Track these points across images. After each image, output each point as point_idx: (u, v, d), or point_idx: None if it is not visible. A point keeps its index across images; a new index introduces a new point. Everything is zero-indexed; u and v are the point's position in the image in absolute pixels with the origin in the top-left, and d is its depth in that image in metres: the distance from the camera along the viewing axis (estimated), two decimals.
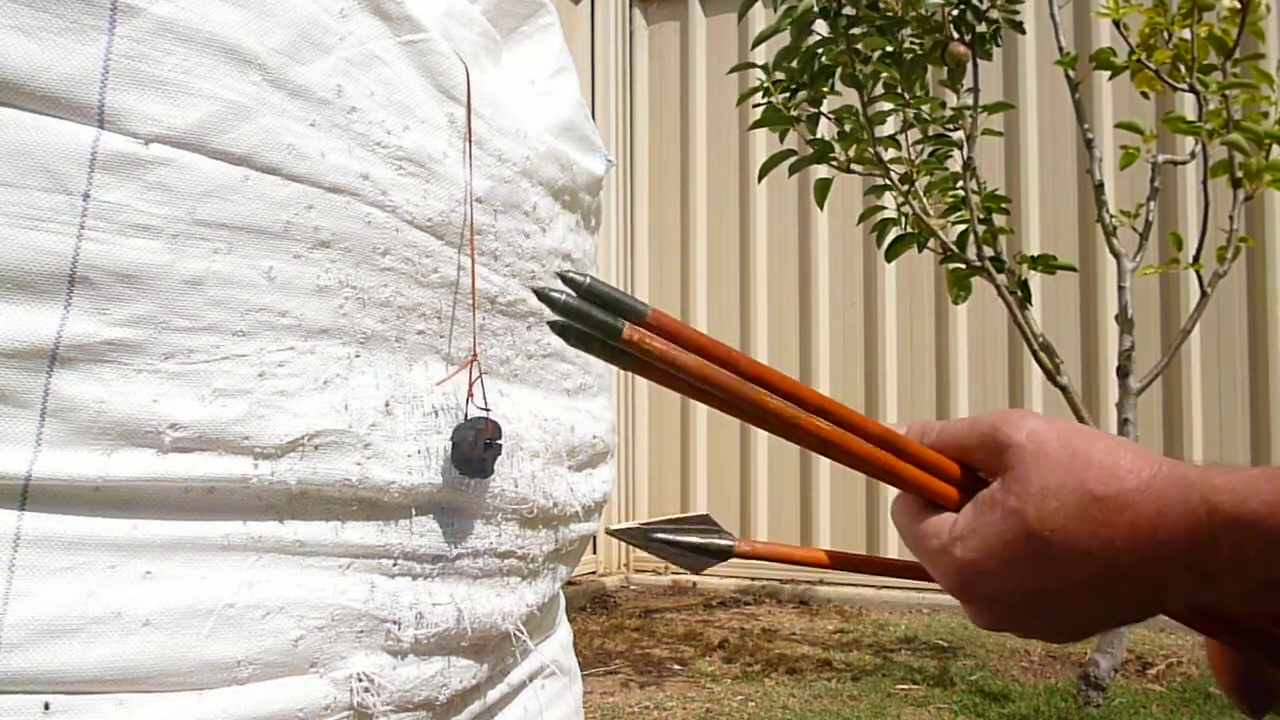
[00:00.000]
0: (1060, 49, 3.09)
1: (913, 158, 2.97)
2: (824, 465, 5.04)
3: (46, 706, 0.60)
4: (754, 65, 3.03)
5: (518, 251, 0.94)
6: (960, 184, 2.95)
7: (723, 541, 0.58)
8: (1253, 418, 4.35)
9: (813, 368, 5.12)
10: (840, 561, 0.59)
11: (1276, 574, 0.45)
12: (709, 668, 3.41)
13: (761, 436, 5.25)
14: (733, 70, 3.29)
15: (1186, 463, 0.48)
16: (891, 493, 0.55)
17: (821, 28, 2.84)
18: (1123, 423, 2.92)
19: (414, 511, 0.80)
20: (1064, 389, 2.94)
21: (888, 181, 2.94)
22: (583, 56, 5.18)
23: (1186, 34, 2.81)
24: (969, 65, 2.81)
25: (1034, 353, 2.97)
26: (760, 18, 4.64)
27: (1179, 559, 0.46)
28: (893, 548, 4.88)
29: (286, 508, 0.71)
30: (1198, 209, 3.25)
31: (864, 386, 5.03)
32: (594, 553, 5.12)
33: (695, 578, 5.13)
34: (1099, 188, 3.05)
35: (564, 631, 1.11)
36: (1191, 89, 2.85)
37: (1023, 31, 2.93)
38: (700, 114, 5.44)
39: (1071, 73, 3.07)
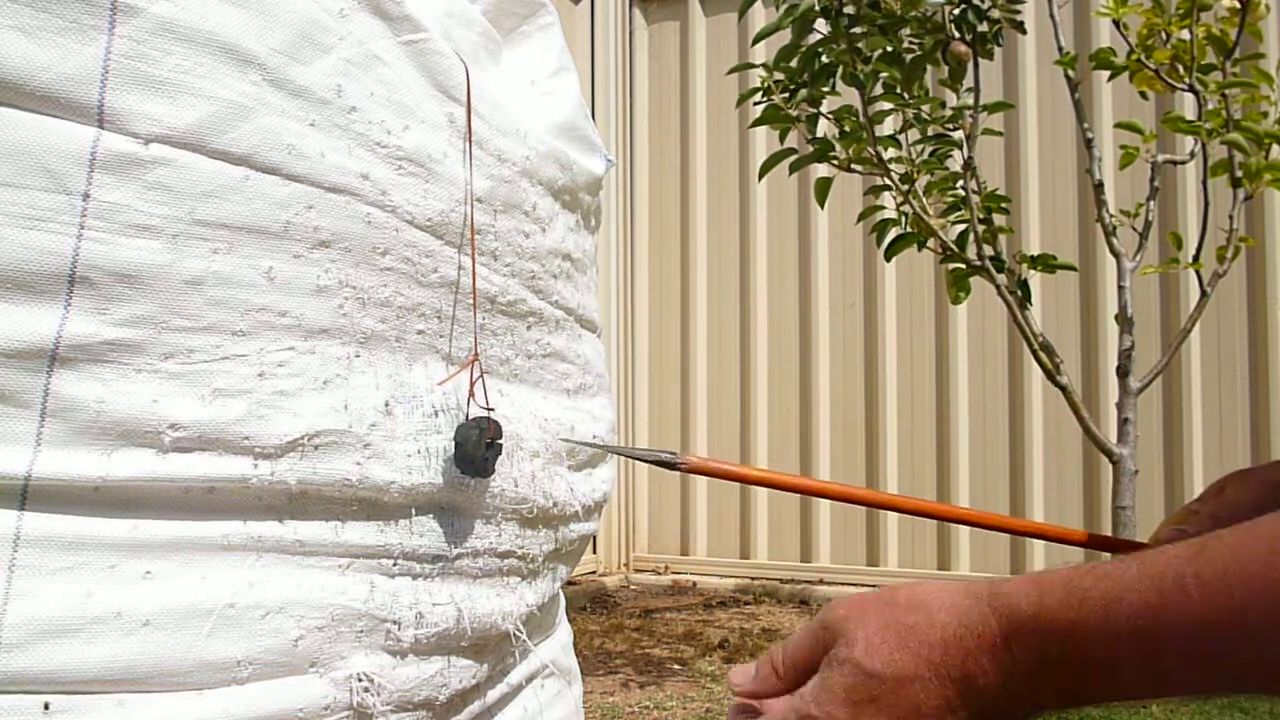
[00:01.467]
0: (1060, 49, 3.09)
1: (913, 157, 2.97)
2: (823, 469, 5.04)
3: (46, 706, 0.60)
4: (754, 65, 3.03)
5: (518, 251, 0.94)
6: (960, 183, 2.95)
7: (665, 455, 0.69)
8: (1252, 417, 4.35)
9: (812, 368, 5.12)
10: (782, 485, 0.71)
11: (1060, 673, 0.51)
12: (709, 668, 3.41)
13: (760, 438, 5.25)
14: (732, 71, 3.29)
15: (980, 581, 0.55)
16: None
17: (822, 26, 2.84)
18: (1123, 422, 2.92)
19: (414, 511, 0.80)
20: (1064, 389, 2.94)
21: (887, 181, 2.94)
22: (583, 56, 5.18)
23: (1186, 34, 2.81)
24: (969, 65, 2.81)
25: (1034, 352, 2.97)
26: (760, 17, 4.64)
27: (988, 666, 0.52)
28: (893, 547, 4.88)
29: (286, 508, 0.71)
30: (1198, 209, 3.25)
31: (864, 386, 5.03)
32: (594, 553, 5.12)
33: (695, 577, 5.13)
34: (1099, 187, 3.05)
35: (564, 631, 1.11)
36: (1191, 89, 2.85)
37: (1024, 31, 2.93)
38: (700, 114, 5.44)
39: (1071, 73, 3.07)
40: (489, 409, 0.84)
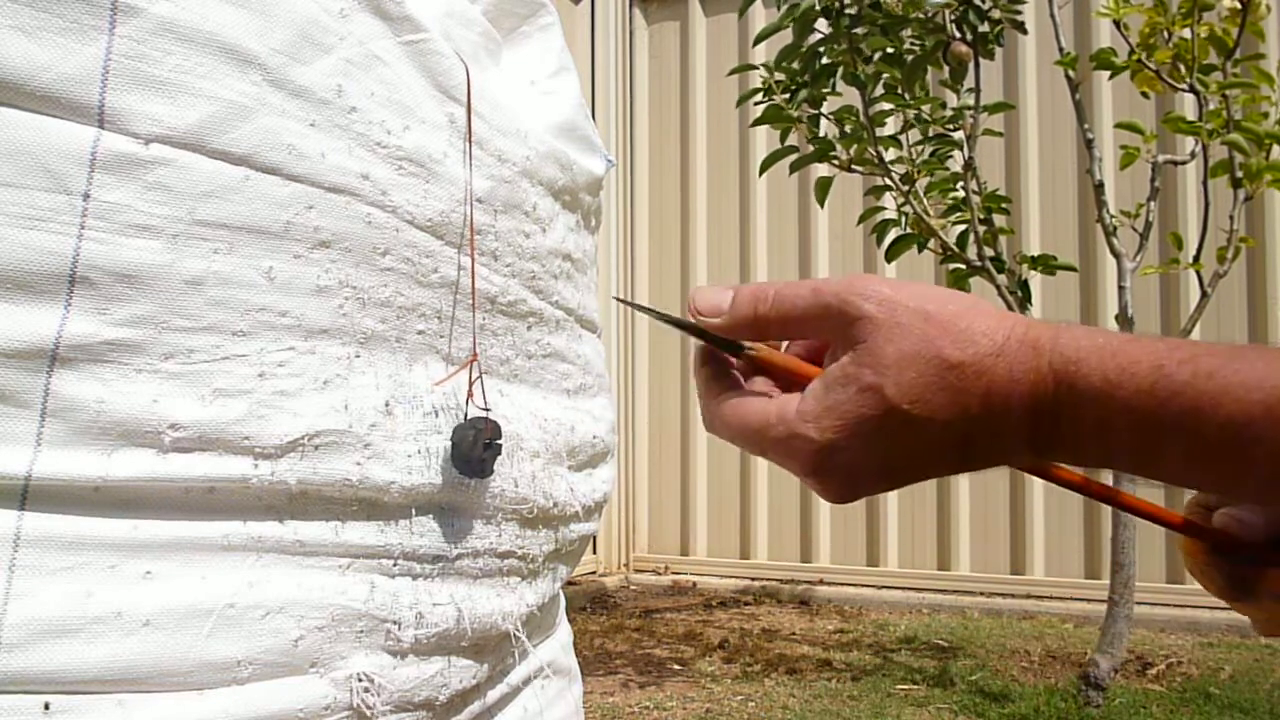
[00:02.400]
0: (1060, 49, 3.09)
1: (913, 158, 2.97)
2: None
3: (46, 706, 0.60)
4: (754, 67, 3.03)
5: (518, 251, 0.94)
6: (960, 184, 2.95)
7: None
8: None
9: None
10: None
11: (1113, 449, 0.45)
12: (709, 668, 3.41)
13: None
14: (733, 72, 3.29)
15: (1042, 323, 0.48)
16: None
17: (823, 26, 2.84)
18: None
19: (414, 511, 0.80)
20: None
21: (888, 182, 2.94)
22: (583, 56, 5.18)
23: (1187, 34, 2.81)
24: (970, 65, 2.81)
25: None
26: (760, 17, 4.64)
27: (1023, 425, 0.46)
28: (893, 545, 4.88)
29: (286, 508, 0.71)
30: (1198, 209, 3.25)
31: None
32: (594, 553, 5.12)
33: (695, 577, 5.13)
34: (1099, 188, 3.05)
35: (564, 632, 1.11)
36: (1192, 89, 2.85)
37: (1025, 31, 2.93)
38: (700, 113, 5.44)
39: (1072, 73, 3.07)
40: (485, 409, 0.84)
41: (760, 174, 3.13)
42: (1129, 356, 0.44)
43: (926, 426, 0.47)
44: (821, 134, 2.95)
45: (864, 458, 0.48)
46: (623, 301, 0.66)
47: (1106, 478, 0.54)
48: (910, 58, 2.82)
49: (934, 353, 0.46)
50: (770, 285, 0.52)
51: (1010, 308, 2.96)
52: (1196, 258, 3.03)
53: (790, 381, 0.53)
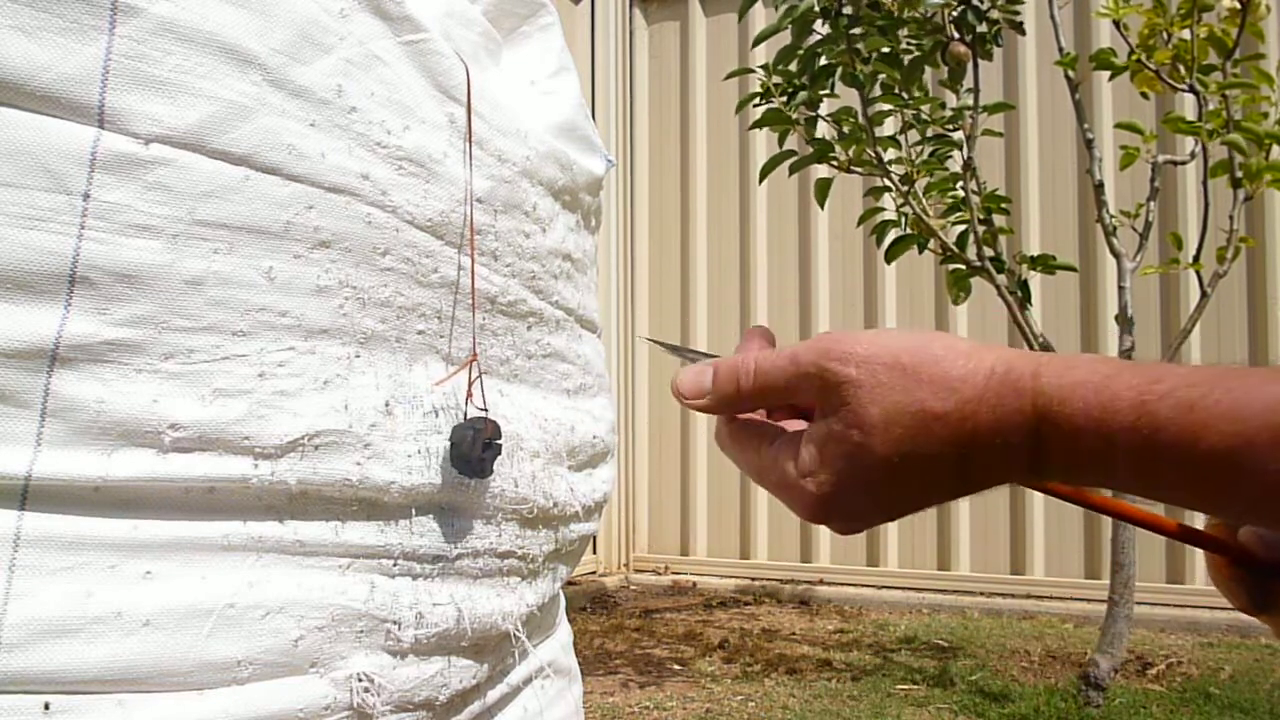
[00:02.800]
0: (1060, 49, 3.09)
1: (913, 158, 2.97)
2: None
3: (46, 706, 0.60)
4: (753, 70, 3.03)
5: (518, 251, 0.94)
6: (960, 184, 2.95)
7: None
8: None
9: None
10: None
11: (1098, 479, 0.47)
12: (709, 668, 3.41)
13: None
14: (731, 75, 3.29)
15: (1018, 355, 0.49)
16: None
17: (821, 27, 2.84)
18: None
19: (414, 511, 0.80)
20: None
21: (887, 182, 2.94)
22: (583, 56, 5.18)
23: (1186, 34, 2.81)
24: (969, 65, 2.81)
25: None
26: (760, 17, 4.64)
27: (1015, 458, 0.48)
28: (893, 545, 4.88)
29: (286, 508, 0.71)
30: (1198, 209, 3.25)
31: None
32: (594, 553, 5.12)
33: (695, 577, 5.13)
34: (1099, 188, 3.05)
35: (564, 632, 1.11)
36: (1191, 89, 2.85)
37: (1023, 33, 2.93)
38: (700, 114, 5.44)
39: (1071, 73, 3.07)
40: (483, 409, 0.84)
41: (760, 181, 3.13)
42: (1111, 392, 0.46)
43: (920, 471, 0.49)
44: (820, 135, 2.95)
45: (861, 503, 0.51)
46: (656, 342, 0.66)
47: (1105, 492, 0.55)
48: (909, 58, 2.82)
49: (917, 407, 0.48)
50: (749, 358, 0.53)
51: (1010, 308, 2.96)
52: (1196, 258, 3.03)
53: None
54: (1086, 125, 3.09)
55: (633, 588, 5.06)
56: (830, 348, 0.50)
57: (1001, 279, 2.94)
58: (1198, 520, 0.54)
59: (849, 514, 0.52)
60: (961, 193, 2.95)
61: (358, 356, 0.76)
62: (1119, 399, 0.45)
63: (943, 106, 2.94)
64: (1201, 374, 0.45)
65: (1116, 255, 3.02)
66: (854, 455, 0.49)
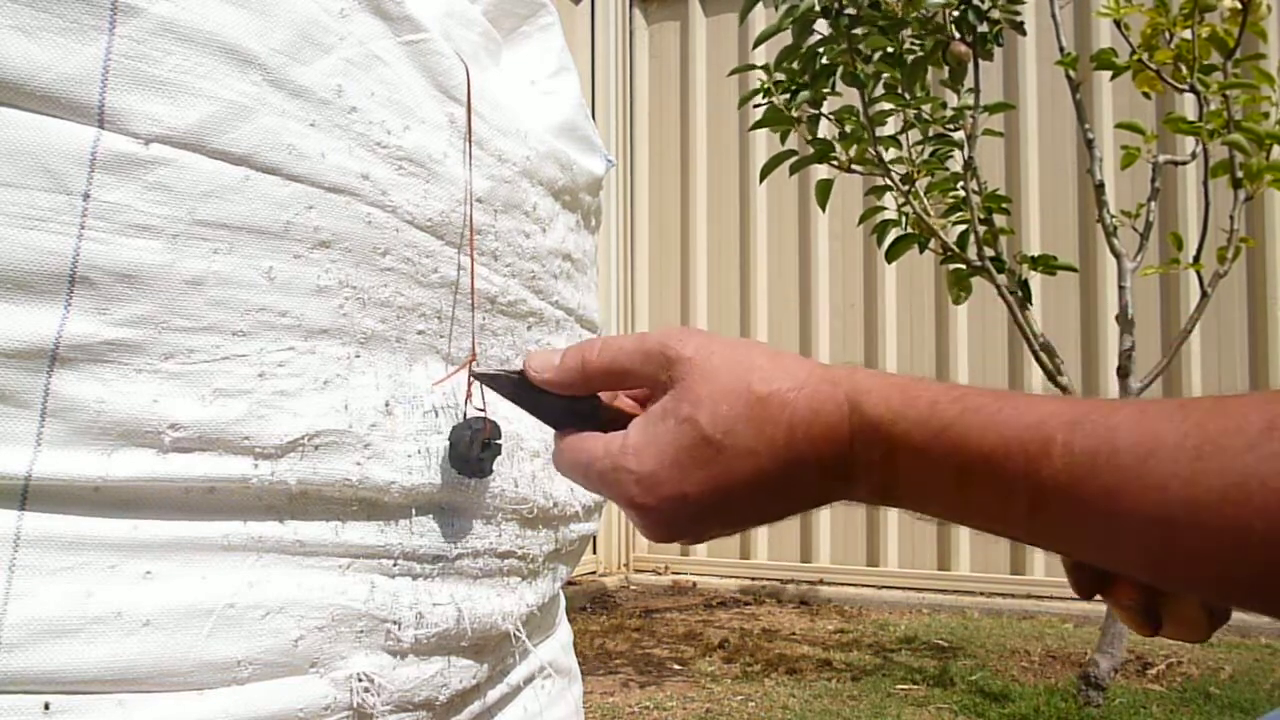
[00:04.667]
0: (1061, 49, 3.09)
1: (913, 158, 2.97)
2: None
3: (46, 706, 0.60)
4: (754, 67, 3.02)
5: (518, 251, 0.94)
6: (961, 184, 2.95)
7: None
8: None
9: None
10: None
11: (894, 479, 0.50)
12: (709, 668, 3.41)
13: None
14: (733, 73, 3.29)
15: (840, 365, 0.52)
16: None
17: (822, 27, 2.84)
18: None
19: (414, 511, 0.80)
20: (1064, 389, 2.94)
21: (888, 182, 2.94)
22: (583, 56, 5.18)
23: (1188, 34, 2.81)
24: (970, 65, 2.81)
25: (1034, 353, 2.96)
26: (760, 18, 4.64)
27: (829, 456, 0.50)
28: (893, 545, 4.88)
29: (287, 508, 0.71)
30: (1198, 209, 3.25)
31: None
32: (594, 553, 5.12)
33: (695, 577, 5.13)
34: (1099, 188, 3.05)
35: (564, 631, 1.11)
36: (1192, 89, 2.85)
37: (1024, 32, 2.93)
38: (700, 114, 5.44)
39: (1072, 73, 3.07)
40: (481, 410, 0.84)
41: (760, 181, 3.13)
42: (911, 392, 0.49)
43: (737, 456, 0.51)
44: (821, 134, 2.95)
45: (682, 488, 0.52)
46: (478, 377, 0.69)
47: None
48: (910, 58, 2.82)
49: (743, 388, 0.51)
50: (597, 338, 0.57)
51: (1010, 308, 2.96)
52: (1196, 258, 3.03)
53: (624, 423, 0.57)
54: (1087, 125, 3.09)
55: (633, 588, 5.06)
56: (672, 331, 0.54)
57: (1002, 279, 2.94)
58: None
59: (667, 499, 0.52)
60: (962, 193, 2.94)
61: (358, 356, 0.76)
62: (918, 398, 0.49)
63: (944, 106, 2.94)
64: (994, 389, 0.49)
65: (1117, 255, 3.02)
66: (680, 429, 0.52)
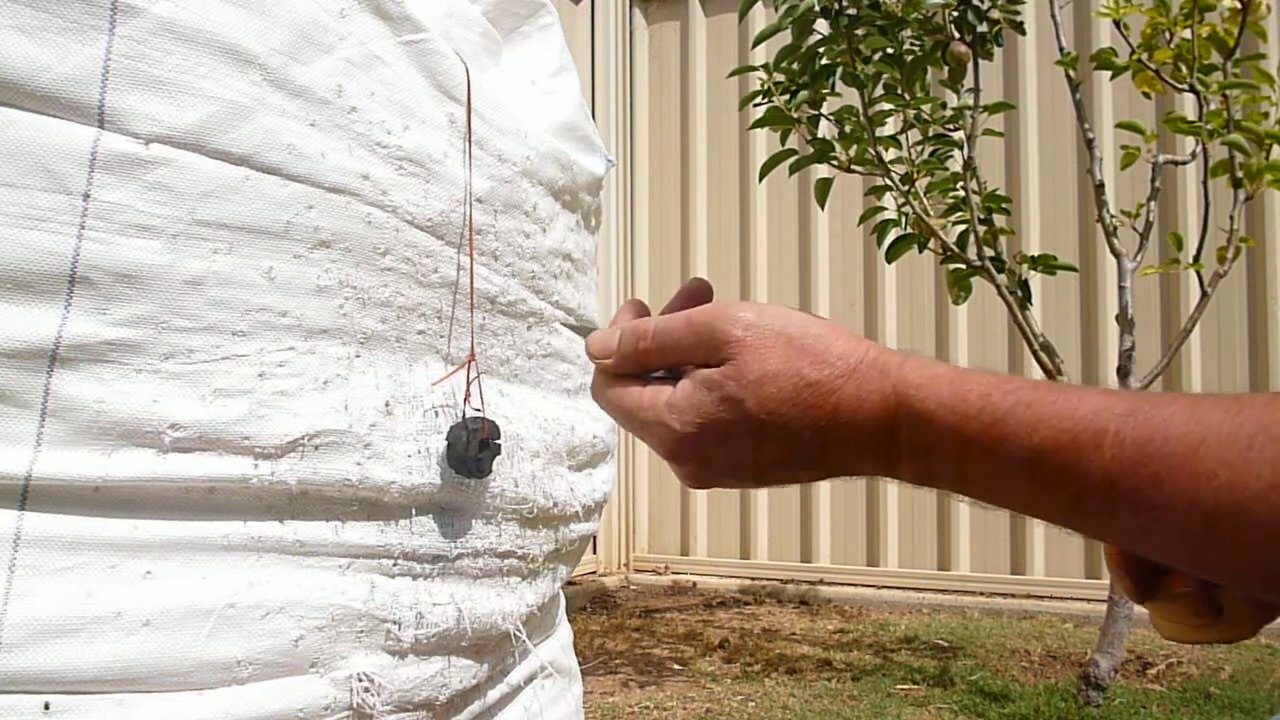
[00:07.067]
0: (1061, 49, 3.09)
1: (913, 158, 2.97)
2: None
3: (46, 706, 0.60)
4: (754, 68, 3.02)
5: (518, 251, 0.94)
6: (960, 184, 2.95)
7: None
8: None
9: None
10: None
11: (940, 468, 0.51)
12: (709, 668, 3.41)
13: None
14: (733, 74, 3.29)
15: (893, 350, 0.54)
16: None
17: (822, 27, 2.84)
18: None
19: (414, 511, 0.80)
20: None
21: (888, 182, 2.94)
22: (583, 56, 5.18)
23: (1188, 34, 2.81)
24: (969, 65, 2.81)
25: (1034, 353, 2.96)
26: (760, 18, 4.64)
27: (870, 439, 0.52)
28: (893, 545, 4.88)
29: (287, 508, 0.71)
30: (1198, 209, 3.25)
31: None
32: (594, 553, 5.12)
33: (695, 577, 5.13)
34: (1099, 188, 3.05)
35: (564, 631, 1.11)
36: (1192, 89, 2.85)
37: (1023, 32, 2.93)
38: (700, 114, 5.44)
39: (1072, 73, 3.07)
40: (479, 410, 0.84)
41: (760, 180, 3.13)
42: (963, 385, 0.50)
43: (777, 435, 0.53)
44: (821, 134, 2.95)
45: (721, 453, 0.55)
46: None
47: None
48: (910, 58, 2.82)
49: (793, 371, 0.53)
50: (650, 321, 0.59)
51: (1010, 308, 2.96)
52: (1196, 258, 3.03)
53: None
54: (1087, 125, 3.09)
55: (633, 588, 5.06)
56: (723, 310, 0.55)
57: (1002, 279, 2.93)
58: None
59: (703, 460, 0.55)
60: (962, 192, 2.94)
61: (358, 356, 0.76)
62: (970, 392, 0.50)
63: (943, 106, 2.94)
64: (1046, 382, 0.50)
65: (1117, 255, 3.02)
66: (725, 404, 0.53)
